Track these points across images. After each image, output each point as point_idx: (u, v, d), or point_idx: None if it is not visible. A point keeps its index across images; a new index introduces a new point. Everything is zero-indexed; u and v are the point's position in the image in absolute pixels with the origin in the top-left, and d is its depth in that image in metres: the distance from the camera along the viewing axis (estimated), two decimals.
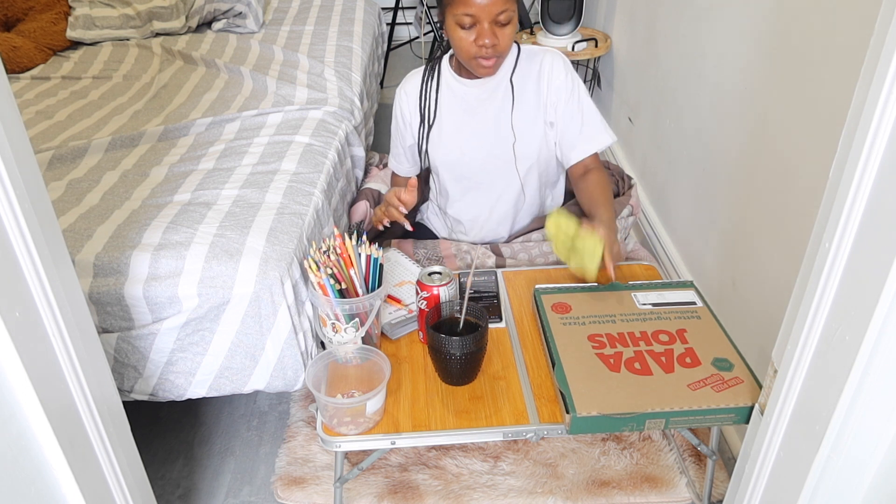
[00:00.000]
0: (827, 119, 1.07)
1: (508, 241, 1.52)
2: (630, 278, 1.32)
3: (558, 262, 1.47)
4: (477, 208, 1.52)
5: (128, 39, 2.31)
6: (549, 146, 1.45)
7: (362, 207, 1.60)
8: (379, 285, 1.14)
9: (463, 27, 1.25)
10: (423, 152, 1.49)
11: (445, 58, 1.44)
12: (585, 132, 1.42)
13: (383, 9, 3.04)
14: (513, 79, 1.40)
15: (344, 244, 1.11)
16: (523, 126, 1.41)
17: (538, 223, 1.50)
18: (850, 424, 0.72)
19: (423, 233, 1.65)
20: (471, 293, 1.26)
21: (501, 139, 1.43)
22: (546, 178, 1.52)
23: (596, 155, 1.45)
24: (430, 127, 1.46)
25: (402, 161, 1.54)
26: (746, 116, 1.36)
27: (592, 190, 1.40)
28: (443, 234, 1.64)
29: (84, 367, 0.82)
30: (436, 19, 1.36)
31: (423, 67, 1.47)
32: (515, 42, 1.42)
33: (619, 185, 1.64)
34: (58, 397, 0.78)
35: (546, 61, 1.39)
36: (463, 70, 1.41)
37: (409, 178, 1.53)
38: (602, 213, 1.32)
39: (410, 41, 3.57)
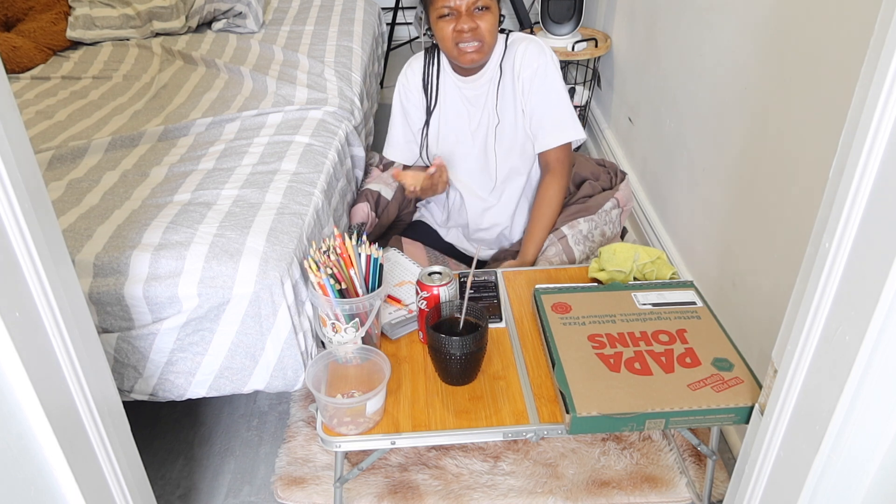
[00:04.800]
0: (827, 119, 1.07)
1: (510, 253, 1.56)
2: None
3: (552, 264, 1.47)
4: (462, 198, 1.55)
5: (128, 39, 2.31)
6: (527, 133, 1.48)
7: (363, 209, 1.60)
8: (379, 285, 1.14)
9: (443, 19, 1.31)
10: (424, 137, 1.52)
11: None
12: (551, 123, 1.44)
13: (383, 9, 3.04)
14: (502, 63, 1.43)
15: (344, 244, 1.11)
16: (505, 110, 1.45)
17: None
18: (850, 424, 0.72)
19: (422, 229, 1.66)
20: (471, 293, 1.26)
21: (487, 122, 1.47)
22: (531, 175, 1.54)
23: (562, 151, 1.46)
24: (431, 112, 1.50)
25: (414, 148, 1.57)
26: (746, 116, 1.36)
27: (536, 213, 1.49)
28: (439, 230, 1.65)
29: (84, 367, 0.82)
30: (426, 26, 1.39)
31: (422, 53, 1.51)
32: (505, 31, 1.45)
33: (613, 181, 1.65)
34: (58, 397, 0.78)
35: (520, 48, 1.41)
36: (459, 68, 1.44)
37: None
38: (529, 251, 1.47)
39: (410, 41, 3.57)
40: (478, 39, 1.32)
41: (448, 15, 1.31)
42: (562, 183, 1.49)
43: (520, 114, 1.45)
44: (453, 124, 1.50)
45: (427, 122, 1.52)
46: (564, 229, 1.48)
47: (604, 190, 1.62)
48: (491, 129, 1.47)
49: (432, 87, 1.49)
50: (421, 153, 1.57)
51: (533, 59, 1.40)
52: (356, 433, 1.01)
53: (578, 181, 1.63)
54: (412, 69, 1.51)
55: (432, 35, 1.38)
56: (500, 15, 1.36)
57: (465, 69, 1.43)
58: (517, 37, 1.44)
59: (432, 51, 1.49)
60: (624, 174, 1.66)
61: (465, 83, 1.46)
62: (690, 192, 1.69)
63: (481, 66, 1.44)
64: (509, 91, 1.44)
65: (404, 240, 1.57)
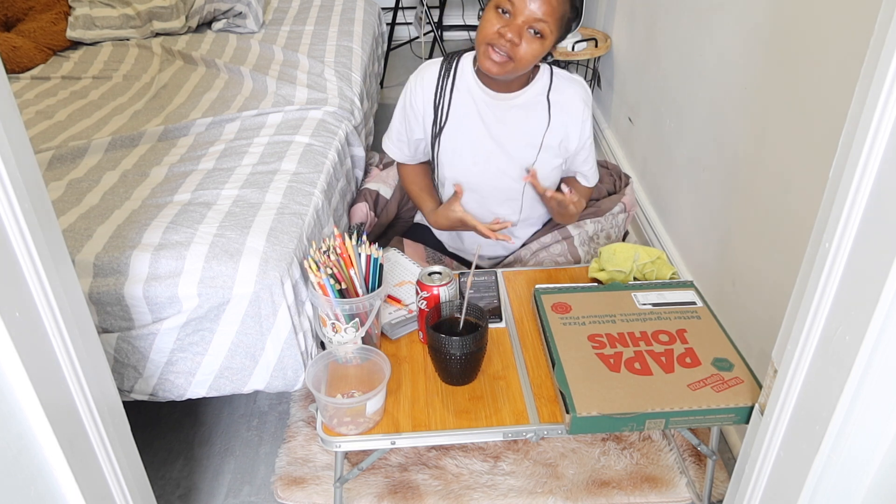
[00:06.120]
0: (827, 119, 1.07)
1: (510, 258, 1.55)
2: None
3: (558, 262, 1.47)
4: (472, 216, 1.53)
5: (128, 39, 2.31)
6: (559, 171, 1.46)
7: (363, 209, 1.60)
8: (379, 285, 1.14)
9: (498, 11, 1.20)
10: (434, 153, 1.47)
11: (467, 59, 1.37)
12: (583, 170, 1.48)
13: (383, 9, 3.04)
14: (550, 96, 1.36)
15: (344, 244, 1.11)
16: (546, 150, 1.40)
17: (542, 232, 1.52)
18: (850, 424, 0.72)
19: (422, 232, 1.65)
20: (471, 293, 1.26)
21: (520, 156, 1.39)
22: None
23: (588, 188, 1.52)
24: (441, 129, 1.41)
25: (404, 149, 1.49)
26: (746, 116, 1.36)
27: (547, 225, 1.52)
28: (443, 236, 1.64)
29: (84, 367, 0.82)
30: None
31: (439, 60, 1.40)
32: (549, 64, 1.38)
33: (616, 184, 1.65)
34: (58, 397, 0.78)
35: (570, 92, 1.36)
36: (490, 81, 1.34)
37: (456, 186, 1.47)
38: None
39: (410, 41, 3.57)
40: (511, 56, 1.21)
41: (504, 13, 1.19)
42: (579, 207, 1.51)
43: (559, 158, 1.41)
44: (470, 146, 1.40)
45: (437, 141, 1.42)
46: (570, 229, 1.48)
47: (609, 193, 1.62)
48: (521, 164, 1.39)
49: (444, 104, 1.38)
50: (433, 174, 1.51)
51: (580, 107, 1.36)
52: (356, 433, 1.01)
53: None
54: (424, 81, 1.39)
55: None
56: (552, 47, 1.25)
57: (496, 82, 1.33)
58: (563, 77, 1.37)
59: (450, 61, 1.38)
60: (628, 178, 1.66)
61: (492, 98, 1.35)
62: (690, 192, 1.69)
63: (518, 87, 1.34)
64: (557, 135, 1.38)
65: (405, 241, 1.56)
